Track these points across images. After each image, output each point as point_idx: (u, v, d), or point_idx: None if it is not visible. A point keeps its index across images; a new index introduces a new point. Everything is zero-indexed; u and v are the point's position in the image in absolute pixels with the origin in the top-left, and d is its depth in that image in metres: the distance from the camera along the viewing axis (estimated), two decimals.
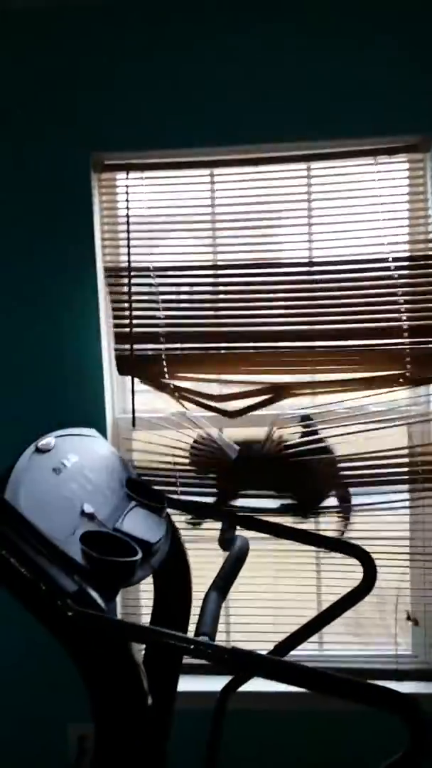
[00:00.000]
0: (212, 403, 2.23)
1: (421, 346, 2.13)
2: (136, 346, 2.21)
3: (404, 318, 2.14)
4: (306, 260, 2.21)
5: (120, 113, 2.13)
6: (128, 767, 1.37)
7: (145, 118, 2.12)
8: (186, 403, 2.23)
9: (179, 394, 2.22)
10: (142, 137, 2.12)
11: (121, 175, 2.21)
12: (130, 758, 1.36)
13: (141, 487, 1.70)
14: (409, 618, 2.24)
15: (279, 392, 2.21)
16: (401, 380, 2.15)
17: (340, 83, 2.07)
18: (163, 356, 2.21)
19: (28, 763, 2.29)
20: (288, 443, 2.14)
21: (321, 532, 2.11)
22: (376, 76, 2.06)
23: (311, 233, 2.21)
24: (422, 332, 2.13)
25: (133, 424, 2.22)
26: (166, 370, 2.22)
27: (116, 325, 2.24)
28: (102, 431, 2.14)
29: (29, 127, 2.15)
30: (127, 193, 2.21)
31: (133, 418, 2.21)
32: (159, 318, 2.22)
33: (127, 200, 2.20)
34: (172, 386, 2.22)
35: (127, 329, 2.21)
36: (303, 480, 2.15)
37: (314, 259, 2.20)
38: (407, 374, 2.14)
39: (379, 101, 2.06)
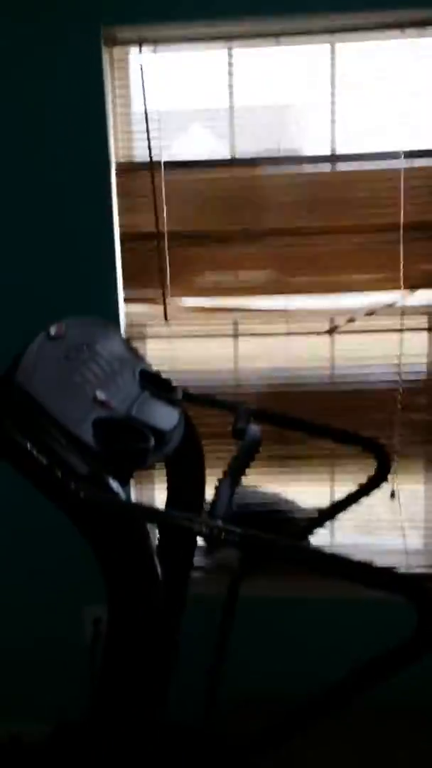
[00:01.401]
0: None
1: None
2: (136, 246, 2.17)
3: (402, 213, 2.07)
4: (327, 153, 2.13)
5: None
6: (140, 650, 1.40)
7: None
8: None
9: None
10: (156, 9, 1.99)
11: (134, 51, 2.09)
12: (142, 641, 1.40)
13: (154, 378, 1.68)
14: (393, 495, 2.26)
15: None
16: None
17: None
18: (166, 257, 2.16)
19: (44, 646, 2.39)
20: None
21: None
22: None
23: (334, 120, 2.10)
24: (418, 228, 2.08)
25: (166, 317, 2.21)
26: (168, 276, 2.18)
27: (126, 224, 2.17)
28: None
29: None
30: (141, 71, 2.09)
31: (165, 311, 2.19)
32: (163, 215, 2.15)
33: (142, 81, 2.09)
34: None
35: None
36: None
37: (336, 152, 2.12)
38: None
39: None
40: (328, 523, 2.09)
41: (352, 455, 2.13)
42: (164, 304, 2.20)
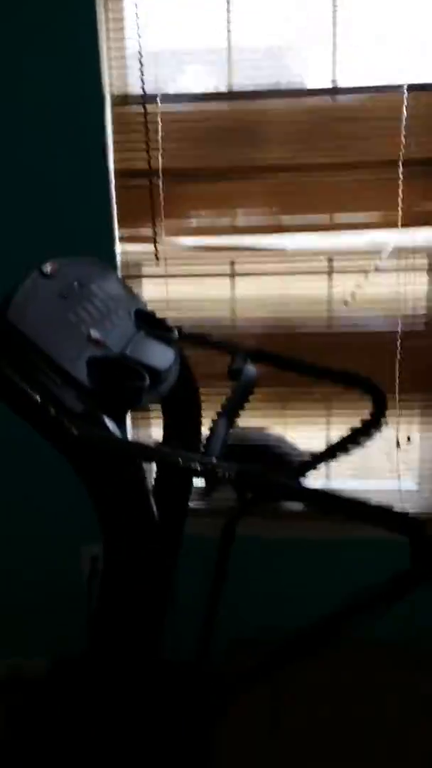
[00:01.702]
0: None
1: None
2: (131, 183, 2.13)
3: (402, 149, 2.02)
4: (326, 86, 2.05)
5: None
6: (136, 590, 1.41)
7: None
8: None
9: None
10: None
11: None
12: (137, 580, 1.40)
13: (150, 318, 1.66)
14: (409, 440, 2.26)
15: None
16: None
17: None
18: (162, 194, 2.12)
19: (42, 583, 2.43)
20: None
21: None
22: None
23: (336, 49, 2.03)
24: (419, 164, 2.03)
25: (156, 256, 2.16)
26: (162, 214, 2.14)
27: (120, 159, 2.12)
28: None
29: None
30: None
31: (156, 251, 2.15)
32: (159, 151, 2.10)
33: (135, 10, 2.01)
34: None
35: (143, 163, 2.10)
36: None
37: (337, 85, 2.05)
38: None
39: None
40: (323, 466, 2.10)
41: (350, 398, 2.14)
42: (155, 243, 2.16)
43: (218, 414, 1.40)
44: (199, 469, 1.18)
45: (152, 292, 2.22)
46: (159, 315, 1.68)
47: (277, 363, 1.76)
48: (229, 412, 1.41)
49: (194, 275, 2.19)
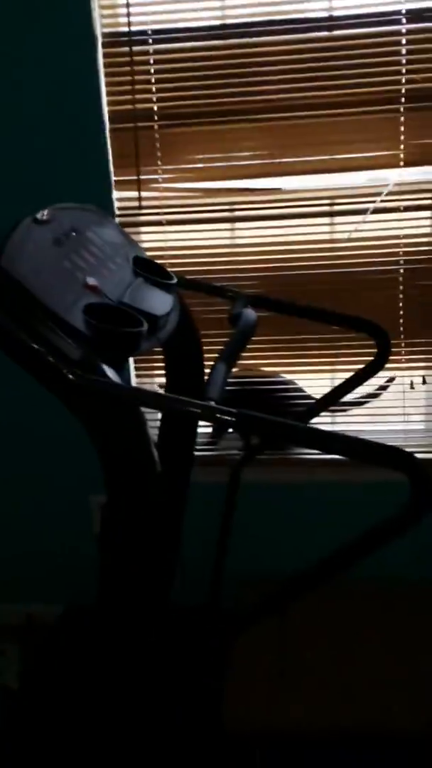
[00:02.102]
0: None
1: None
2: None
3: (403, 81, 1.96)
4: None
5: None
6: (139, 538, 1.41)
7: None
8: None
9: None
10: None
11: None
12: (141, 530, 1.40)
13: (149, 265, 1.64)
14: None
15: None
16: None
17: None
18: (157, 136, 2.07)
19: (54, 533, 2.46)
20: None
21: None
22: None
23: None
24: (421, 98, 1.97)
25: (139, 202, 2.12)
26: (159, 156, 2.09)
27: (112, 102, 2.07)
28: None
29: None
30: None
31: (139, 197, 2.10)
32: (153, 92, 2.05)
33: None
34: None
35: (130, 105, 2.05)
36: None
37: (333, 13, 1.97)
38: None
39: None
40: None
41: (354, 343, 2.12)
42: (138, 189, 2.13)
43: (217, 359, 1.39)
44: (198, 412, 1.18)
45: (150, 238, 2.19)
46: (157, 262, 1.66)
47: (278, 308, 1.74)
48: (228, 357, 1.40)
49: (192, 222, 2.16)
